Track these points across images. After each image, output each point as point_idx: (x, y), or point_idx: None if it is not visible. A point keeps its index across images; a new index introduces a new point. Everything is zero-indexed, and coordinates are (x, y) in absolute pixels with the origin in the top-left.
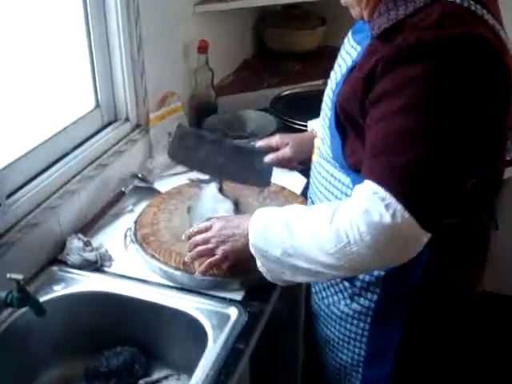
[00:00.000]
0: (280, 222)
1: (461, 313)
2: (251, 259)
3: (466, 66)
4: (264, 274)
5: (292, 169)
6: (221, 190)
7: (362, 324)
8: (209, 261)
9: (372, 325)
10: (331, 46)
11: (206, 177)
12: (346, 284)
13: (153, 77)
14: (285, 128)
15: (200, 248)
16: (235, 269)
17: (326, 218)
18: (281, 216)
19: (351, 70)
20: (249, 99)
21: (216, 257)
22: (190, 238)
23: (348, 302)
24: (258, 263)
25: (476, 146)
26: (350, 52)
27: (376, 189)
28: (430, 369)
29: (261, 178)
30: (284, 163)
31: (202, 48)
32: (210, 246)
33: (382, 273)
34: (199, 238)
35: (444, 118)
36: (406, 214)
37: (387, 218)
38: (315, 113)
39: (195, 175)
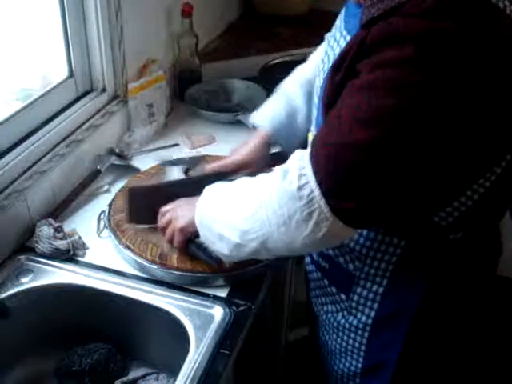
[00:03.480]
0: (223, 189)
1: (464, 327)
2: None
3: (448, 64)
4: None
5: None
6: (187, 173)
7: (358, 338)
8: (173, 245)
9: (369, 340)
10: (323, 11)
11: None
12: (343, 296)
13: (132, 43)
14: None
15: (166, 233)
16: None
17: (254, 180)
18: (229, 184)
19: (333, 64)
20: (236, 67)
21: (174, 237)
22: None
23: (345, 314)
24: (198, 230)
25: (441, 156)
26: (339, 41)
27: (304, 155)
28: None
29: None
30: None
31: (187, 12)
32: (169, 229)
33: (381, 289)
34: (162, 222)
35: (404, 110)
36: (316, 192)
37: (293, 187)
38: None
39: (160, 156)
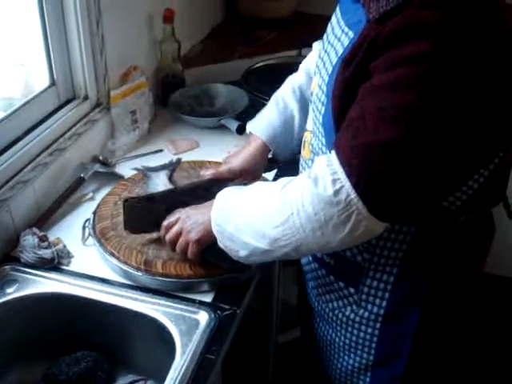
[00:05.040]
0: (238, 196)
1: (467, 309)
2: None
3: (465, 54)
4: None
5: None
6: (171, 178)
7: (370, 330)
8: (188, 256)
9: (381, 330)
10: (306, 14)
11: (155, 164)
12: (352, 290)
13: (114, 50)
14: (256, 104)
15: (177, 245)
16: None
17: (277, 187)
18: (241, 190)
19: (343, 59)
20: (218, 71)
21: (189, 249)
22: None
23: (354, 307)
24: (218, 240)
25: (467, 142)
26: (340, 38)
27: (332, 160)
28: (441, 370)
29: None
30: None
31: (168, 18)
32: (181, 242)
33: (392, 278)
34: (171, 235)
35: (429, 104)
36: (353, 194)
37: (329, 192)
38: None
39: (144, 163)
